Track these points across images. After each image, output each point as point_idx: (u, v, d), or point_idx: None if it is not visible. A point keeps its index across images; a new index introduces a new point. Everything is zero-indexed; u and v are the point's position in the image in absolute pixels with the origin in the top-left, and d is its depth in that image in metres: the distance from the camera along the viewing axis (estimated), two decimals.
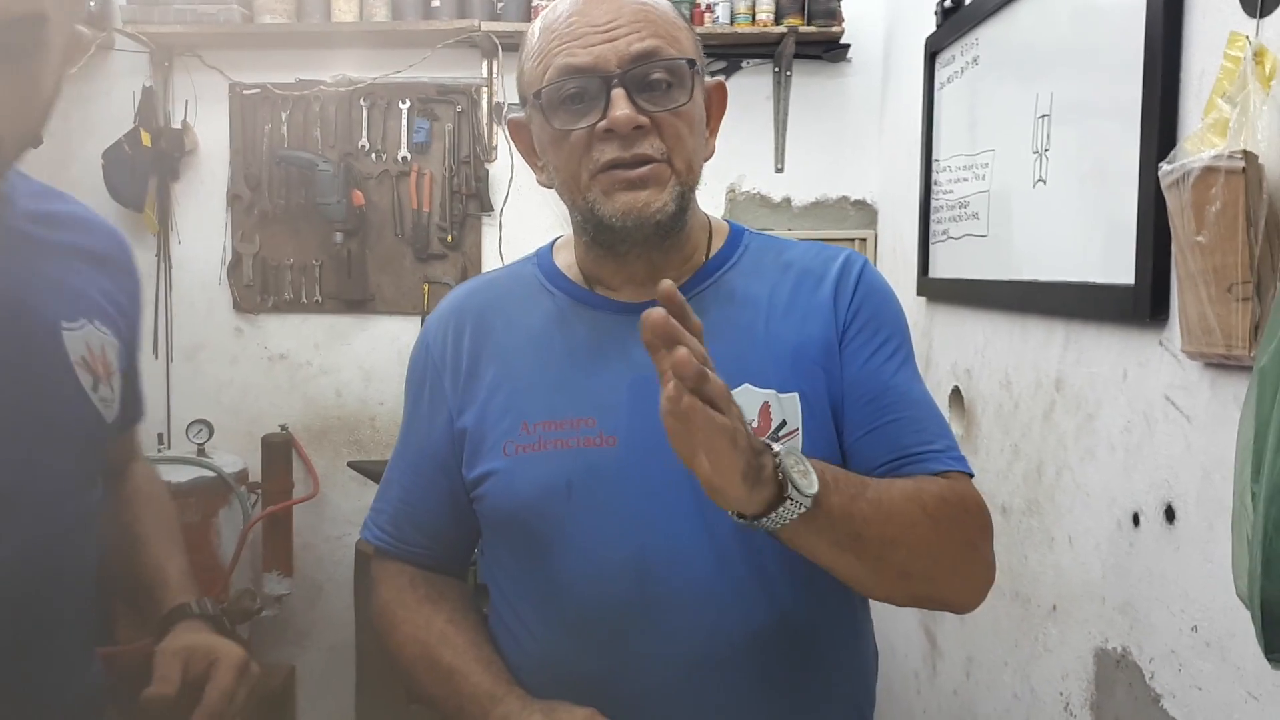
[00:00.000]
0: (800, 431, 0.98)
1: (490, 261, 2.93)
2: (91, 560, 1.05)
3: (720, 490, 0.77)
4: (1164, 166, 1.09)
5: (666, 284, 0.77)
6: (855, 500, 0.87)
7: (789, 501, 0.80)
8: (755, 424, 0.97)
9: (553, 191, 1.03)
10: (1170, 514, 1.22)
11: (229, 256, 2.99)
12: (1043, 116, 1.60)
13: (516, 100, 1.05)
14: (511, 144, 1.10)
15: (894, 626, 2.37)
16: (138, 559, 1.15)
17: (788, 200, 2.94)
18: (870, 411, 1.00)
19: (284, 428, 2.95)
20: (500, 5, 2.80)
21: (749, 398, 0.98)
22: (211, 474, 2.62)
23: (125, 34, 2.83)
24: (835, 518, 0.84)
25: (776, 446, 0.82)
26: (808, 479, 0.81)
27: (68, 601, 1.01)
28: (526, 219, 2.90)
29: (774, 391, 0.99)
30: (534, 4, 2.77)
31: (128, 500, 1.20)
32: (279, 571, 2.81)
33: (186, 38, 2.84)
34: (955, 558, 0.96)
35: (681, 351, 0.71)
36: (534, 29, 1.01)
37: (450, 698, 1.02)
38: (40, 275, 0.96)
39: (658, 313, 0.73)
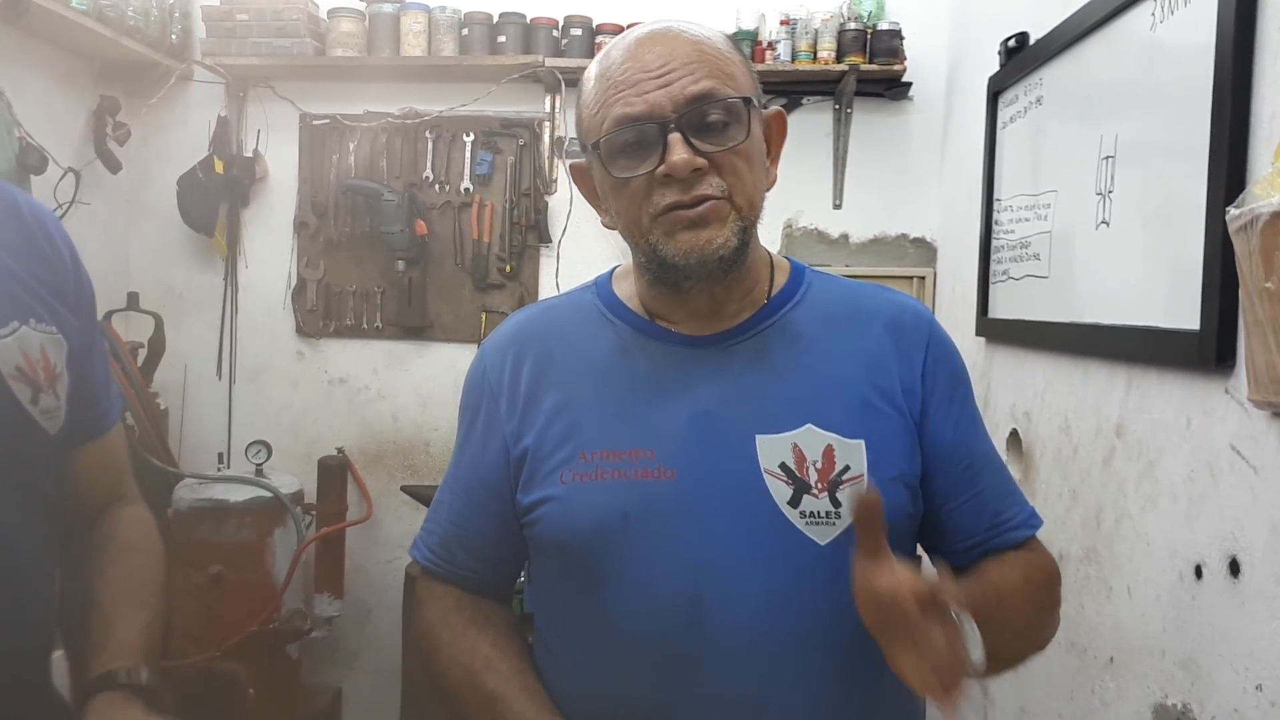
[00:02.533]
0: (865, 478, 0.97)
1: (547, 292, 2.96)
2: (20, 584, 0.94)
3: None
4: (1232, 210, 1.07)
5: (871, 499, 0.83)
6: (999, 627, 0.92)
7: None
8: (819, 465, 0.97)
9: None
10: (1235, 567, 1.18)
11: (294, 282, 3.06)
12: (1107, 157, 1.58)
13: (576, 137, 1.06)
14: (573, 182, 1.10)
15: None
16: (87, 619, 0.98)
17: (845, 237, 2.93)
18: (964, 480, 1.04)
19: (341, 450, 3.00)
20: (564, 42, 2.85)
21: (812, 439, 0.98)
22: (268, 494, 2.67)
23: (203, 65, 2.94)
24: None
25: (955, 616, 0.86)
26: (979, 650, 0.85)
27: (11, 626, 0.91)
28: (584, 251, 2.94)
29: (838, 436, 0.98)
30: (598, 40, 2.81)
31: (97, 548, 1.05)
32: (330, 593, 2.84)
33: (261, 69, 2.94)
34: (1047, 631, 1.06)
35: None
36: (589, 76, 1.01)
37: None
38: None
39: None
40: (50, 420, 0.92)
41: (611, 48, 1.01)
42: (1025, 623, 0.99)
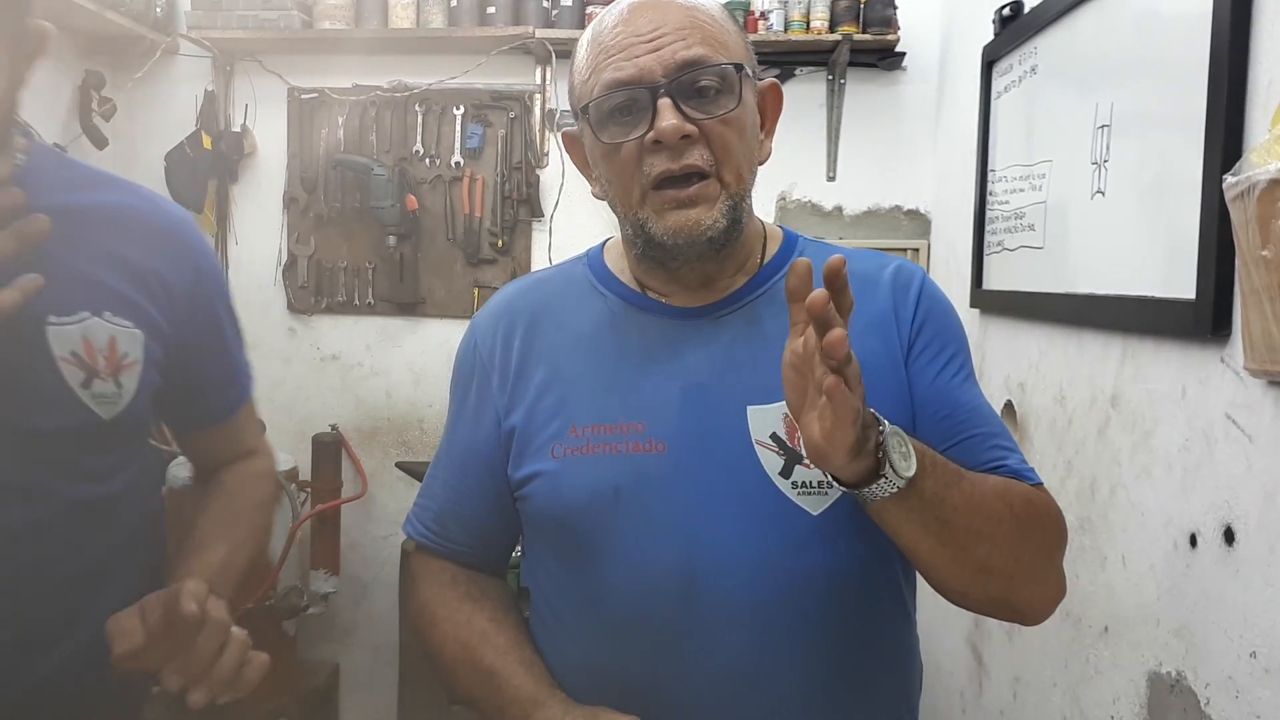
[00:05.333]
0: None
1: (539, 266, 2.95)
2: (94, 555, 1.03)
3: (825, 456, 0.79)
4: (1228, 179, 1.06)
5: (837, 261, 0.77)
6: (949, 487, 0.87)
7: (884, 479, 0.82)
8: None
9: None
10: (1230, 536, 1.18)
11: (284, 258, 3.04)
12: (1102, 127, 1.57)
13: (568, 107, 1.05)
14: (565, 154, 1.09)
15: (940, 644, 2.34)
16: (181, 553, 1.10)
17: (839, 209, 2.92)
18: (944, 430, 0.99)
19: (334, 427, 2.99)
20: (554, 12, 2.82)
21: None
22: None
23: (189, 39, 2.90)
24: (926, 500, 0.85)
25: (885, 424, 0.82)
26: (907, 461, 0.82)
27: (50, 595, 0.99)
28: (576, 225, 2.92)
29: None
30: (588, 10, 2.78)
31: (205, 495, 1.19)
32: (326, 570, 2.85)
33: (247, 43, 2.90)
34: (1034, 563, 0.96)
35: (838, 332, 0.73)
36: (582, 42, 1.01)
37: (491, 699, 1.01)
38: (32, 267, 0.89)
39: (809, 271, 0.77)
40: (103, 405, 1.00)
41: (605, 14, 1.00)
42: (989, 510, 0.90)
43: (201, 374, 1.14)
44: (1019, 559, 0.93)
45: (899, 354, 1.01)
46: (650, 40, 0.94)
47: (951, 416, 1.00)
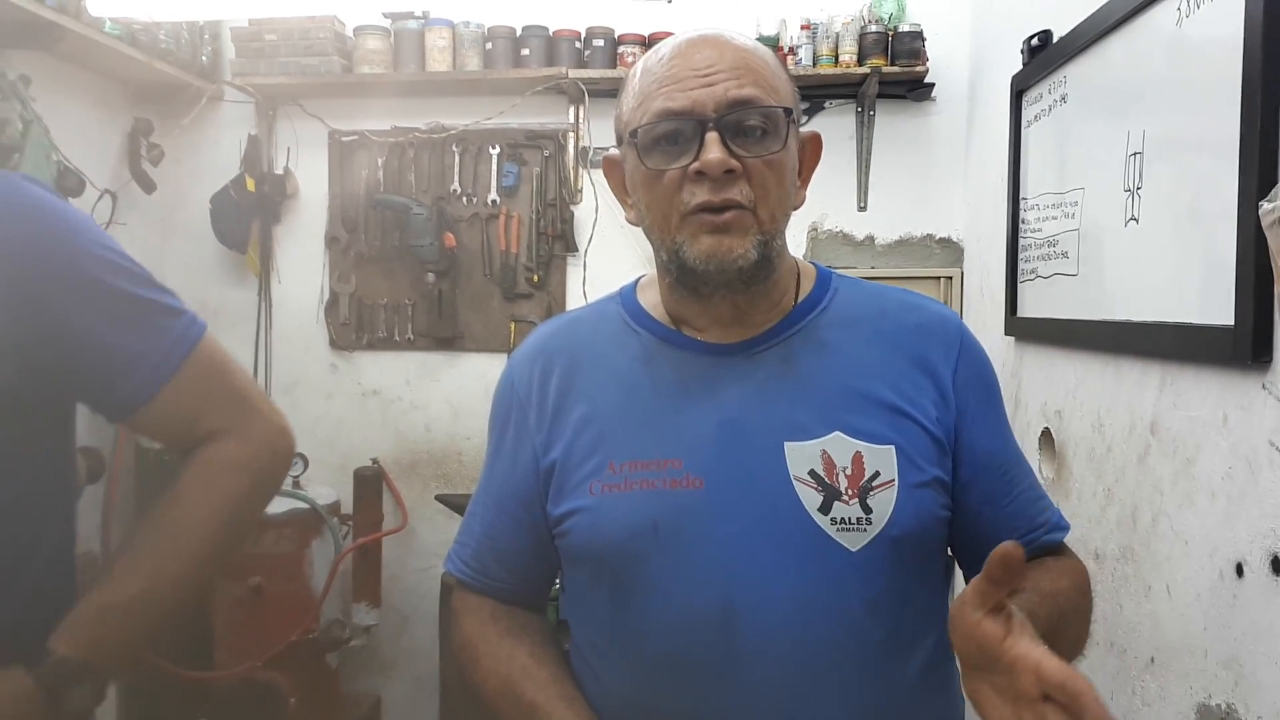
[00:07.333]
0: (896, 484, 0.97)
1: (575, 301, 2.98)
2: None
3: None
4: (1264, 205, 1.06)
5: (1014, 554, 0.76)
6: (1050, 625, 0.90)
7: None
8: (849, 471, 0.97)
9: (636, 232, 1.05)
10: (1277, 565, 1.17)
11: (326, 296, 3.10)
12: (1134, 154, 1.57)
13: (601, 145, 1.08)
14: (595, 183, 1.12)
15: None
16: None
17: (871, 239, 2.92)
18: (1002, 486, 1.05)
19: (375, 461, 3.03)
20: (587, 53, 2.87)
21: (840, 446, 0.98)
22: (305, 506, 2.70)
23: (233, 86, 2.98)
24: None
25: None
26: None
27: None
28: (610, 259, 2.94)
29: (867, 443, 0.98)
30: (620, 50, 2.83)
31: (156, 501, 1.06)
32: (368, 602, 2.88)
33: (290, 88, 2.98)
34: (1085, 634, 1.05)
35: None
36: (635, 69, 1.03)
37: None
38: None
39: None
40: None
41: (660, 45, 1.02)
42: (1077, 635, 1.01)
43: (81, 367, 0.98)
44: (1081, 639, 1.03)
45: (933, 402, 1.02)
46: (705, 75, 0.96)
47: (1008, 473, 1.06)
